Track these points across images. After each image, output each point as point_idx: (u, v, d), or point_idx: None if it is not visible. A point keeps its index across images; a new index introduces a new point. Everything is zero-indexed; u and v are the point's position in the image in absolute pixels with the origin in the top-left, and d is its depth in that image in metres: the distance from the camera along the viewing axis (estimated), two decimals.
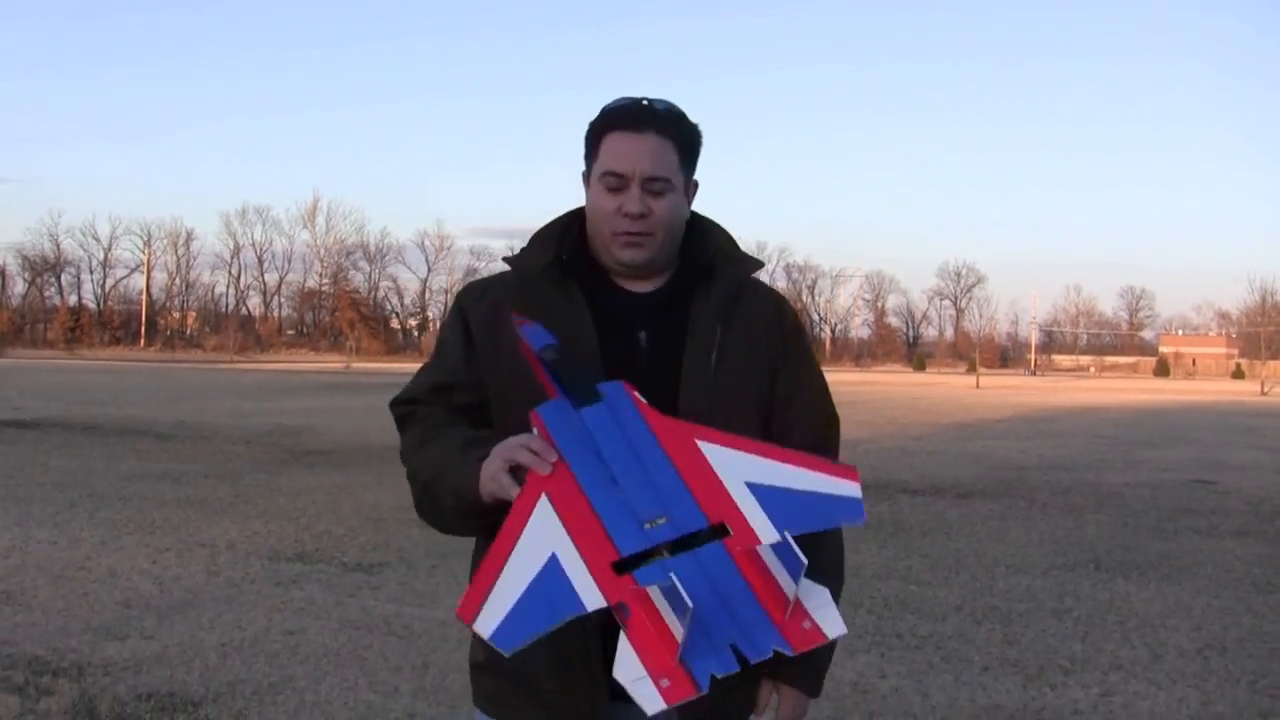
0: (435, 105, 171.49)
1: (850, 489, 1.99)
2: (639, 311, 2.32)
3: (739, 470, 2.00)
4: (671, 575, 1.71)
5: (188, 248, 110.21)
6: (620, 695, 2.13)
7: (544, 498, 1.93)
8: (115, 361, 70.52)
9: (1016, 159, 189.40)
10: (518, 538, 1.88)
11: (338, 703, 5.50)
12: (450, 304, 2.45)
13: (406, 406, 2.39)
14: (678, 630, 1.69)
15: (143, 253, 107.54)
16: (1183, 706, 5.77)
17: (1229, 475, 16.78)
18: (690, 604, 1.64)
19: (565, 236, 2.36)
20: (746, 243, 3.58)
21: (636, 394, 2.11)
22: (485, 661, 2.34)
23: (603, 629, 2.12)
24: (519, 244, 2.45)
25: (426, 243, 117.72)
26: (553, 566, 1.84)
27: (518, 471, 2.02)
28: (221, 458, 16.11)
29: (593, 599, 1.81)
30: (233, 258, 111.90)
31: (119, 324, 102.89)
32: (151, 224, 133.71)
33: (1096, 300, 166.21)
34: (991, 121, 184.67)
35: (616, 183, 2.26)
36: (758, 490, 1.97)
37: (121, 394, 32.57)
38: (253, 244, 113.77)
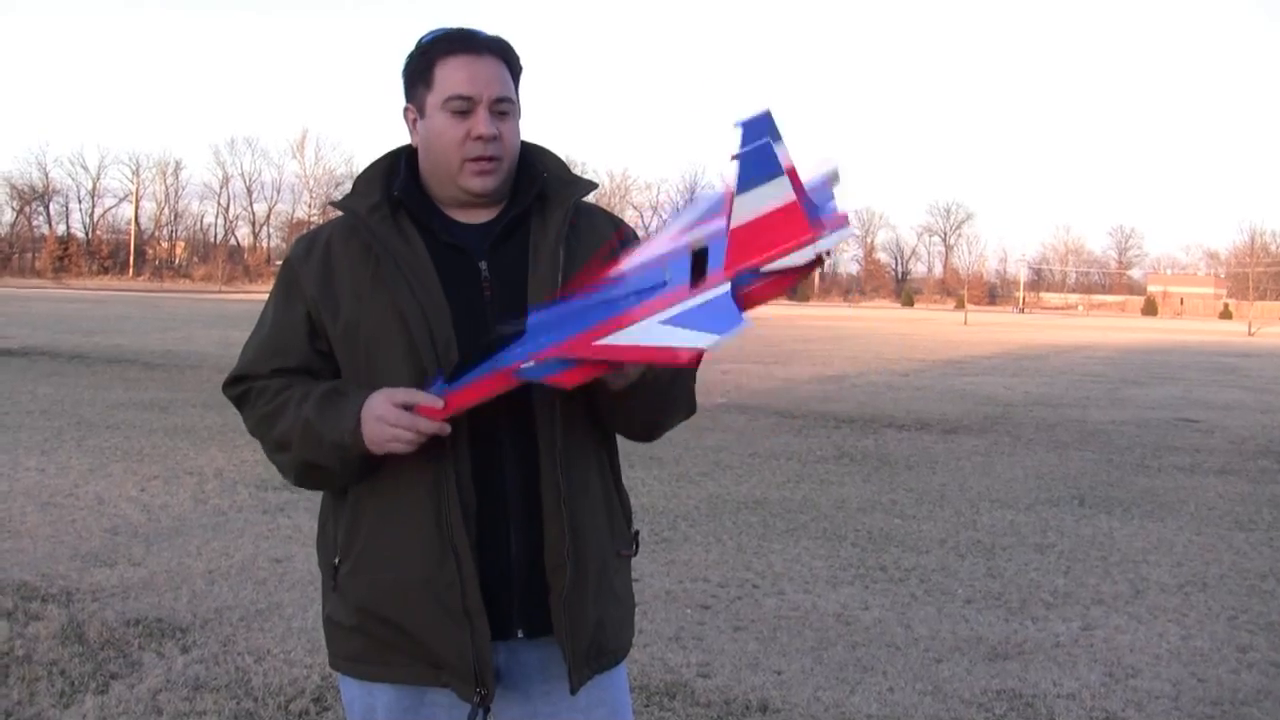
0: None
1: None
2: (477, 242, 2.27)
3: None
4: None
5: (176, 177, 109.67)
6: (501, 635, 2.25)
7: None
8: (103, 291, 70.18)
9: (1008, 94, 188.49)
10: None
11: None
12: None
13: (240, 386, 2.32)
14: None
15: (131, 182, 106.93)
16: (1163, 641, 5.82)
17: (1213, 414, 16.86)
18: None
19: (392, 176, 2.28)
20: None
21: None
22: (354, 620, 2.26)
23: (479, 573, 2.18)
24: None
25: None
26: None
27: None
28: (209, 387, 16.05)
29: None
30: (221, 188, 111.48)
31: (107, 253, 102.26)
32: (140, 153, 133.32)
33: (1085, 239, 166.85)
34: (985, 57, 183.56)
35: (464, 106, 2.19)
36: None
37: (109, 323, 32.45)
38: (241, 174, 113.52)
